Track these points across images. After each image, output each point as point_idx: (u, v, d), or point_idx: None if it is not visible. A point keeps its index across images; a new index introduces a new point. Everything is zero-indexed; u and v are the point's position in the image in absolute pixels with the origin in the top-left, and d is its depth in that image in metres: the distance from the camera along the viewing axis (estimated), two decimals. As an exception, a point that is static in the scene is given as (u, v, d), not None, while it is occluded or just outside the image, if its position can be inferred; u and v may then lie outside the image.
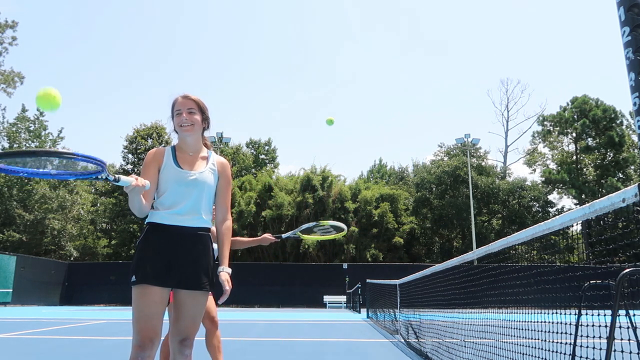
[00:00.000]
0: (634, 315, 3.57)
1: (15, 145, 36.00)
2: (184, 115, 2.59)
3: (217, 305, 3.64)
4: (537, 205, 39.78)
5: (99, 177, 2.06)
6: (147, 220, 2.55)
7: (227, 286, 2.55)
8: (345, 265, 29.59)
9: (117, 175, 2.13)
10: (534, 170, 46.00)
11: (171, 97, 2.68)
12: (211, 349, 4.04)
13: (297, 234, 4.27)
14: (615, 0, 1.77)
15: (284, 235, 4.23)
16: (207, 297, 2.57)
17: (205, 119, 2.70)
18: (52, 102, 2.23)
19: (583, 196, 37.82)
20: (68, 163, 2.03)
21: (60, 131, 38.06)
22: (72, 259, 35.27)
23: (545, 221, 2.63)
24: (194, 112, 2.62)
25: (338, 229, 4.31)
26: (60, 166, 2.05)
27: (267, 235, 4.09)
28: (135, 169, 36.85)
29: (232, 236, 3.98)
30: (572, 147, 42.83)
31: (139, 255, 2.47)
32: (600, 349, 2.86)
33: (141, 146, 36.76)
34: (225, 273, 2.58)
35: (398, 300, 9.70)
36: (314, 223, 4.36)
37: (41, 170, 2.03)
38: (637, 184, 1.76)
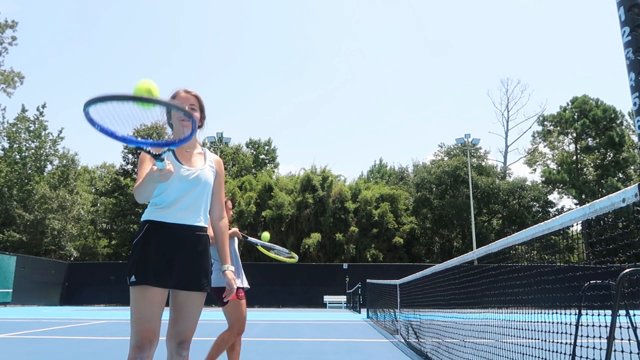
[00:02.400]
0: (634, 315, 3.56)
1: (15, 146, 36.02)
2: (186, 109, 2.56)
3: (223, 303, 3.67)
4: (537, 205, 39.78)
5: (152, 152, 2.09)
6: (145, 218, 2.48)
7: (234, 284, 2.55)
8: (345, 265, 29.59)
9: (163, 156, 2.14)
10: (534, 170, 46.05)
11: (172, 90, 2.65)
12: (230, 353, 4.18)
13: (258, 246, 4.81)
14: (615, 1, 1.77)
15: (249, 238, 4.66)
16: (204, 297, 2.54)
17: (203, 118, 2.69)
18: (149, 91, 2.31)
19: (583, 196, 37.83)
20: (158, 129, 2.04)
21: (61, 131, 38.03)
22: (72, 259, 35.27)
23: (546, 221, 2.63)
24: (194, 109, 2.60)
25: (291, 256, 5.01)
26: (136, 124, 2.08)
27: (236, 230, 4.40)
28: (135, 169, 36.86)
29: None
30: (572, 147, 42.85)
31: (139, 255, 2.39)
32: (601, 349, 2.86)
33: (141, 146, 36.75)
34: (230, 272, 2.57)
35: (398, 300, 9.70)
36: (272, 245, 5.00)
37: (110, 129, 2.00)
38: (637, 184, 1.76)
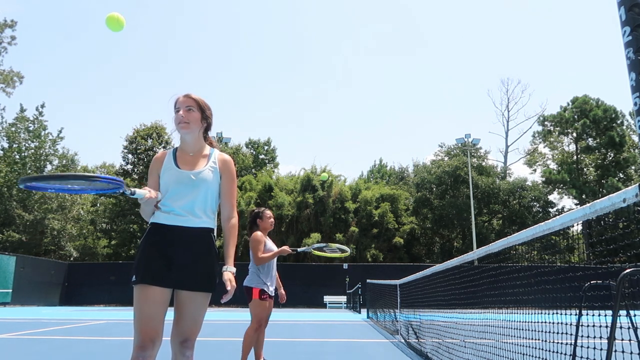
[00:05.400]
0: (635, 315, 3.56)
1: (15, 145, 36.00)
2: (181, 113, 2.62)
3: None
4: (538, 205, 39.77)
5: (117, 192, 2.27)
6: (150, 221, 2.58)
7: (229, 286, 2.53)
8: (345, 266, 29.58)
9: (133, 189, 2.32)
10: (535, 170, 46.04)
11: (172, 96, 2.70)
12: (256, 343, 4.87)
13: (311, 250, 5.27)
14: (615, 0, 1.77)
15: (299, 249, 5.33)
16: (208, 298, 2.56)
17: (205, 118, 2.71)
18: (118, 23, 2.62)
19: (583, 196, 37.82)
20: (91, 183, 2.27)
21: (60, 131, 37.94)
22: (72, 259, 35.27)
23: (546, 221, 2.62)
24: (192, 110, 2.64)
25: (342, 250, 5.29)
26: (84, 184, 2.30)
27: (286, 247, 5.00)
28: (135, 169, 36.85)
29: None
30: (572, 147, 42.85)
31: (140, 255, 2.49)
32: (601, 349, 2.86)
33: (141, 146, 36.73)
34: (228, 272, 2.57)
35: (398, 300, 9.69)
36: (324, 244, 5.35)
37: (66, 187, 2.28)
38: (637, 184, 1.76)
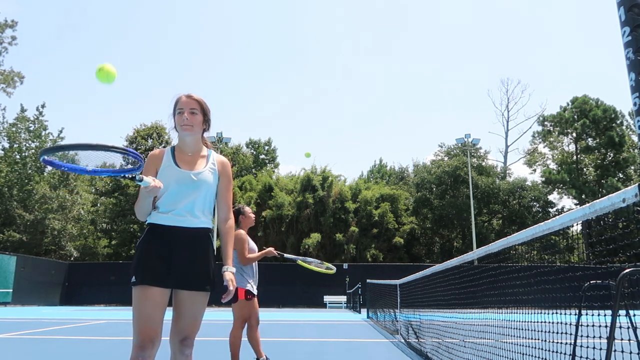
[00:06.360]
0: (634, 315, 3.56)
1: (15, 145, 36.01)
2: (185, 115, 2.59)
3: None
4: (538, 205, 39.78)
5: (128, 176, 2.24)
6: (147, 221, 2.55)
7: (231, 286, 2.55)
8: (345, 266, 29.57)
9: (141, 175, 2.28)
10: (534, 170, 46.03)
11: (174, 95, 2.68)
12: (253, 342, 4.83)
13: (298, 261, 5.18)
14: (615, 1, 1.77)
15: (285, 255, 5.28)
16: (207, 297, 2.57)
17: (207, 121, 2.71)
18: (109, 76, 2.62)
19: (583, 196, 37.82)
20: (108, 158, 2.24)
21: (61, 131, 37.95)
22: (72, 259, 35.25)
23: (546, 221, 2.62)
24: (195, 113, 2.62)
25: (329, 268, 5.25)
26: (99, 163, 2.26)
27: (272, 249, 4.96)
28: (135, 169, 36.83)
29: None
30: (572, 147, 42.84)
31: (140, 256, 2.47)
32: (601, 349, 2.86)
33: (141, 146, 36.72)
34: (229, 272, 2.58)
35: (398, 300, 9.70)
36: (312, 259, 5.31)
37: (79, 166, 2.21)
38: (637, 184, 1.76)
